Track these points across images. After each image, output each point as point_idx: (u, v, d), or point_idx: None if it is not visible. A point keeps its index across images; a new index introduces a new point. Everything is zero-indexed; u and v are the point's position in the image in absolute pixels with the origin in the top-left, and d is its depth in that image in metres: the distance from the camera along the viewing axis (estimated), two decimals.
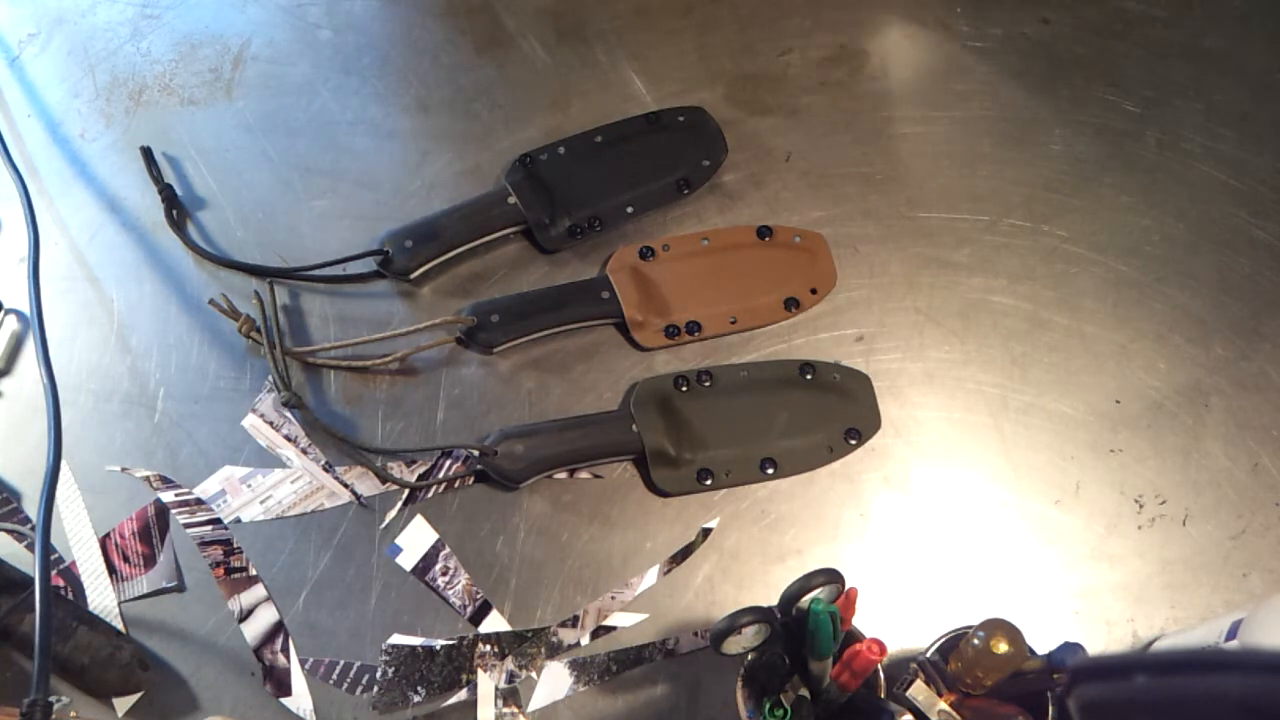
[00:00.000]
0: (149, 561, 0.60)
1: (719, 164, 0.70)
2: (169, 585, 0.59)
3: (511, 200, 0.67)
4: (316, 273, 0.67)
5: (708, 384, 0.63)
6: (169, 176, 0.71)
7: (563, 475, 0.62)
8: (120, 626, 0.58)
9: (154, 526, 0.61)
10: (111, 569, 0.60)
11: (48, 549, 0.51)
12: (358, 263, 0.67)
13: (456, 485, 0.62)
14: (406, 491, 0.61)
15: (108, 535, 0.61)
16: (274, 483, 0.62)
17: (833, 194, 0.70)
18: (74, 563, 0.60)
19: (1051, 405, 0.63)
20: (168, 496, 0.61)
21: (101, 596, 0.59)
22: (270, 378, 0.64)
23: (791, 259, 0.67)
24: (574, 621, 0.58)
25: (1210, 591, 0.58)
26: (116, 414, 0.64)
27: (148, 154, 0.71)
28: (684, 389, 0.63)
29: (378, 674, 0.56)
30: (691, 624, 0.58)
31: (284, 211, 0.70)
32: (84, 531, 0.61)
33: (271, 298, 0.65)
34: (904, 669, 0.49)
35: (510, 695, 0.56)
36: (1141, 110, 0.72)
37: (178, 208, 0.70)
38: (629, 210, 0.69)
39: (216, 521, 0.61)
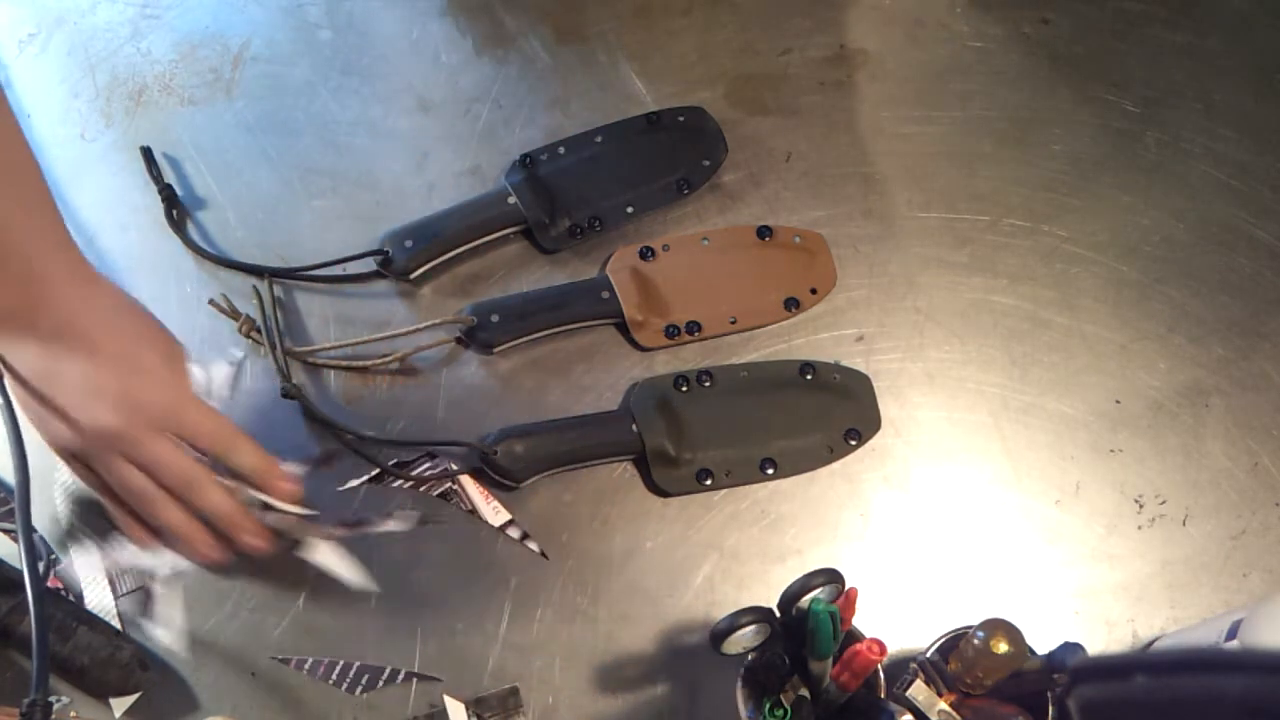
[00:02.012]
0: None
1: (719, 164, 0.70)
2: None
3: (511, 200, 0.67)
4: (317, 273, 0.67)
5: (708, 384, 0.63)
6: (169, 176, 0.71)
7: (563, 474, 0.62)
8: (119, 626, 0.58)
9: None
10: None
11: (32, 548, 0.50)
12: (358, 263, 0.67)
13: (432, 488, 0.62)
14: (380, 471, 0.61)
15: None
16: None
17: (833, 194, 0.70)
18: (71, 562, 0.60)
19: (1051, 405, 0.63)
20: None
21: (100, 596, 0.59)
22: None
23: (791, 259, 0.67)
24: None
25: (1210, 591, 0.58)
26: None
27: (148, 154, 0.71)
28: (684, 389, 0.63)
29: None
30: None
31: (284, 211, 0.70)
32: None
33: (270, 294, 0.65)
34: (904, 669, 0.49)
35: (511, 695, 0.56)
36: (1141, 110, 0.72)
37: (178, 207, 0.70)
38: (629, 210, 0.69)
39: None
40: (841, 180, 0.70)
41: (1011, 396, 0.63)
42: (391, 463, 0.62)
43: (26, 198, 0.52)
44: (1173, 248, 0.68)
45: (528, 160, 0.70)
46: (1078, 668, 0.30)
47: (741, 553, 0.60)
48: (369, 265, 0.67)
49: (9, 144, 0.52)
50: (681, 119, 0.72)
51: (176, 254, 0.69)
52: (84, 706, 0.56)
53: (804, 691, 0.49)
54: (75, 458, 0.54)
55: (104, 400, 0.52)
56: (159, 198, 0.69)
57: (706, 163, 0.70)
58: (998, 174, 0.70)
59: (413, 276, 0.67)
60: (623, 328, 0.65)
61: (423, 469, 0.62)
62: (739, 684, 0.50)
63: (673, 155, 0.70)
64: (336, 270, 0.67)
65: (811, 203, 0.70)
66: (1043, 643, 0.48)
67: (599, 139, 0.71)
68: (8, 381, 0.53)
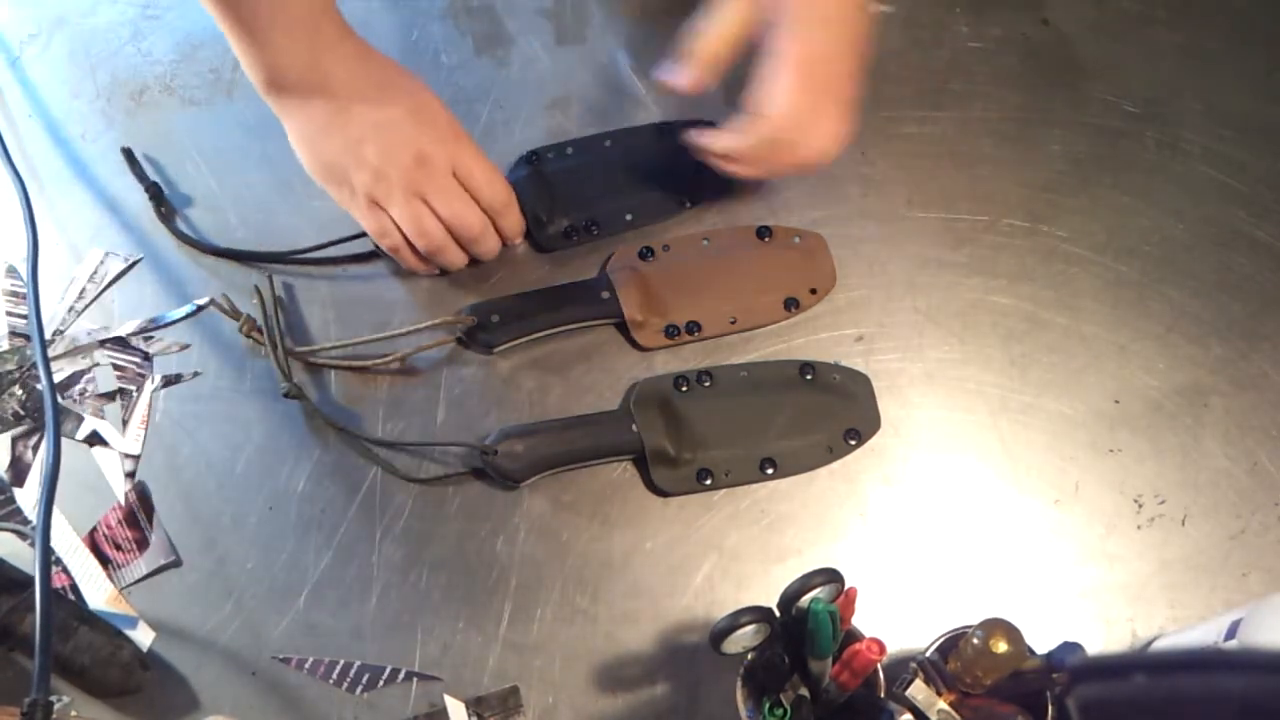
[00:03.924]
0: (141, 545, 0.60)
1: (725, 182, 0.68)
2: (167, 561, 0.59)
3: None
4: (316, 255, 0.67)
5: (708, 384, 0.63)
6: (170, 177, 0.71)
7: (563, 474, 0.62)
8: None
9: (139, 510, 0.61)
10: (105, 560, 0.60)
11: (47, 549, 0.51)
12: (355, 245, 0.67)
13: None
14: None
15: (94, 529, 0.61)
16: None
17: (833, 194, 0.70)
18: (69, 559, 0.60)
19: (1051, 405, 0.63)
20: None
21: (99, 593, 0.59)
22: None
23: (791, 259, 0.67)
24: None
25: (1210, 591, 0.58)
26: None
27: (129, 155, 0.71)
28: (684, 389, 0.63)
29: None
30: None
31: (284, 211, 0.70)
32: (77, 532, 0.61)
33: (271, 294, 0.65)
34: (904, 668, 0.49)
35: (511, 695, 0.56)
36: (1141, 110, 0.72)
37: (165, 204, 0.69)
38: (628, 218, 0.68)
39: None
40: (841, 180, 0.70)
41: (1010, 396, 0.63)
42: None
43: None
44: (1172, 248, 0.68)
45: (534, 157, 0.70)
46: (1077, 667, 0.30)
47: (741, 553, 0.60)
48: (366, 245, 0.67)
49: None
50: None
51: (177, 254, 0.69)
52: (84, 706, 0.56)
53: (804, 691, 0.49)
54: (375, 204, 0.61)
55: (402, 139, 0.59)
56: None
57: (712, 177, 0.69)
58: (997, 174, 0.70)
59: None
60: (623, 328, 0.66)
61: None
62: (739, 684, 0.51)
63: (678, 168, 0.69)
64: (335, 252, 0.67)
65: (811, 203, 0.70)
66: (1042, 642, 0.48)
67: (608, 143, 0.70)
68: (292, 140, 0.62)
